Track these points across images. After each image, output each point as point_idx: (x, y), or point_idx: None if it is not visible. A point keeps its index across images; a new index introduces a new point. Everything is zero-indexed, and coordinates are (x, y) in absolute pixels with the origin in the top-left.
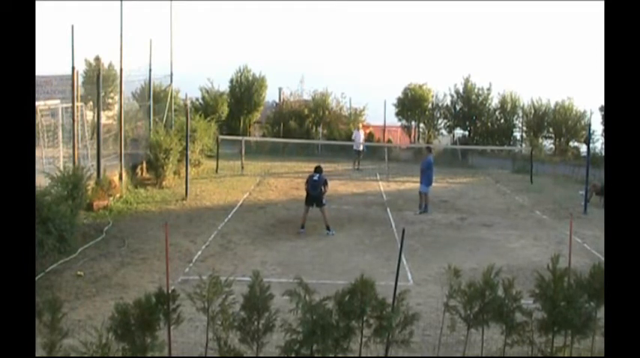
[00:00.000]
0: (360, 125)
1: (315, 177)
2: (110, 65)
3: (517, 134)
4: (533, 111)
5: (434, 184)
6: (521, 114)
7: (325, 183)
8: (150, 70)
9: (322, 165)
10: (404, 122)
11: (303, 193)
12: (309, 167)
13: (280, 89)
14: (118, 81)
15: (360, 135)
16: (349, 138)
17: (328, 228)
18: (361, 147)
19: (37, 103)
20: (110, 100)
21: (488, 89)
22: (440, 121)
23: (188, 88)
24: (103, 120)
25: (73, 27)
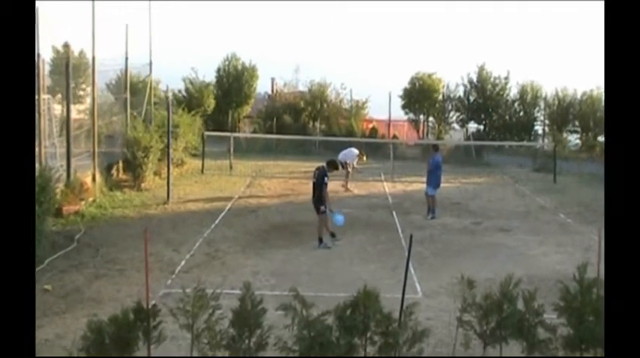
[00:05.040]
0: (362, 156)
1: (315, 173)
2: (81, 53)
3: (538, 128)
4: (556, 102)
5: (444, 184)
6: (543, 106)
7: (323, 181)
8: (126, 59)
9: (321, 165)
10: (411, 116)
11: (300, 195)
12: (305, 167)
13: (273, 79)
14: (90, 70)
15: (352, 154)
16: (350, 133)
17: (319, 241)
18: (347, 161)
19: None
20: (81, 92)
21: (506, 78)
22: (451, 114)
23: (170, 78)
24: (74, 115)
25: (37, 9)
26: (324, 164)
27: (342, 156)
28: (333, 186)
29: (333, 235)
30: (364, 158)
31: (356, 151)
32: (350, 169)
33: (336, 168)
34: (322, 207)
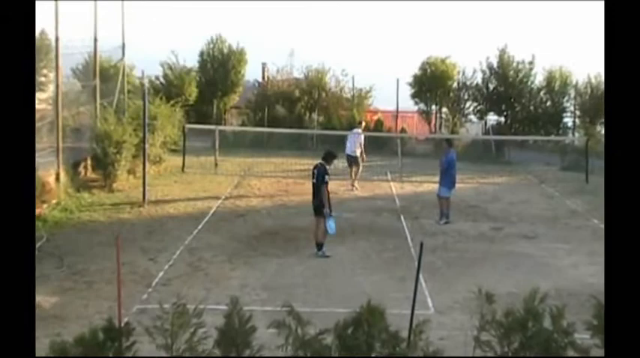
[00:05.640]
0: (362, 125)
1: (314, 172)
2: (42, 33)
3: (568, 120)
4: (589, 90)
5: (459, 185)
6: (573, 95)
7: (322, 179)
8: (95, 40)
9: (318, 162)
10: (422, 106)
11: (293, 197)
12: (301, 164)
13: (264, 65)
14: (54, 54)
15: (356, 139)
16: (352, 127)
17: (318, 247)
18: (355, 151)
19: None
20: (42, 79)
21: (531, 63)
22: (468, 105)
23: (146, 63)
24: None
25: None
26: (323, 161)
27: (349, 146)
28: (333, 186)
29: (320, 247)
30: (364, 157)
31: (358, 130)
32: (364, 155)
33: (335, 158)
34: (326, 210)
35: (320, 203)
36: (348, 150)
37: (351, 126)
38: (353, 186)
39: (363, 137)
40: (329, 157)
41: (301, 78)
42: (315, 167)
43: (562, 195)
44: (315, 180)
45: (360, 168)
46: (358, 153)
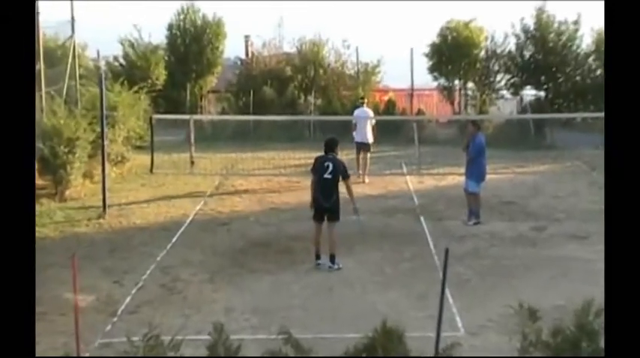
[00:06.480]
0: (365, 101)
1: (328, 164)
2: None
3: None
4: None
5: (491, 176)
6: None
7: (344, 173)
8: (36, 14)
9: (329, 154)
10: (442, 82)
11: (288, 199)
12: (296, 158)
13: (247, 38)
14: None
15: (366, 114)
16: (355, 107)
17: (332, 259)
18: (369, 138)
19: None
20: None
21: (576, 23)
22: (499, 78)
23: (101, 41)
24: None
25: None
26: (330, 155)
27: (361, 132)
28: None
29: (318, 257)
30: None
31: (367, 109)
32: (368, 141)
33: (338, 145)
34: (356, 206)
35: (336, 204)
36: (359, 138)
37: (355, 106)
38: (364, 178)
39: (372, 115)
40: (334, 146)
41: (293, 52)
42: (326, 159)
43: None
44: (330, 175)
45: (369, 155)
46: (371, 139)
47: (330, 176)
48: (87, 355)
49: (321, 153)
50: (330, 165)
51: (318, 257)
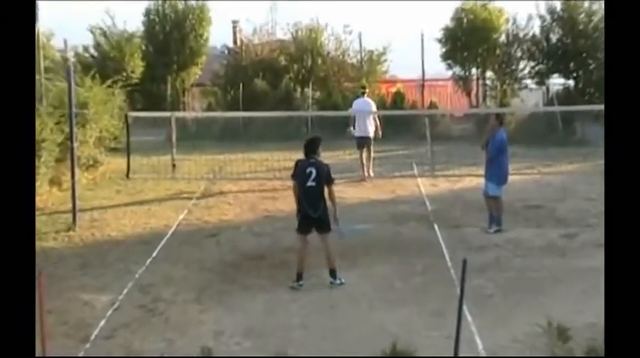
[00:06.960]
0: (366, 91)
1: (310, 170)
2: None
3: None
4: None
5: (513, 177)
6: None
7: (328, 178)
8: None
9: (311, 157)
10: (457, 71)
11: (283, 206)
12: (291, 159)
13: (236, 24)
14: None
15: (368, 106)
16: (355, 97)
17: (333, 274)
18: (370, 131)
19: None
20: None
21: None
22: (522, 65)
23: (70, 29)
24: None
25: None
26: (312, 159)
27: (362, 126)
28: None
29: (300, 277)
30: (379, 133)
31: (369, 100)
32: (379, 131)
33: (319, 145)
34: (336, 215)
35: (325, 212)
36: (360, 132)
37: (356, 96)
38: (368, 174)
39: (375, 107)
40: (316, 147)
41: (288, 39)
42: (309, 164)
43: None
44: (313, 183)
45: (372, 148)
46: (372, 133)
47: (314, 183)
48: None
49: (314, 155)
50: (314, 171)
51: (299, 277)
